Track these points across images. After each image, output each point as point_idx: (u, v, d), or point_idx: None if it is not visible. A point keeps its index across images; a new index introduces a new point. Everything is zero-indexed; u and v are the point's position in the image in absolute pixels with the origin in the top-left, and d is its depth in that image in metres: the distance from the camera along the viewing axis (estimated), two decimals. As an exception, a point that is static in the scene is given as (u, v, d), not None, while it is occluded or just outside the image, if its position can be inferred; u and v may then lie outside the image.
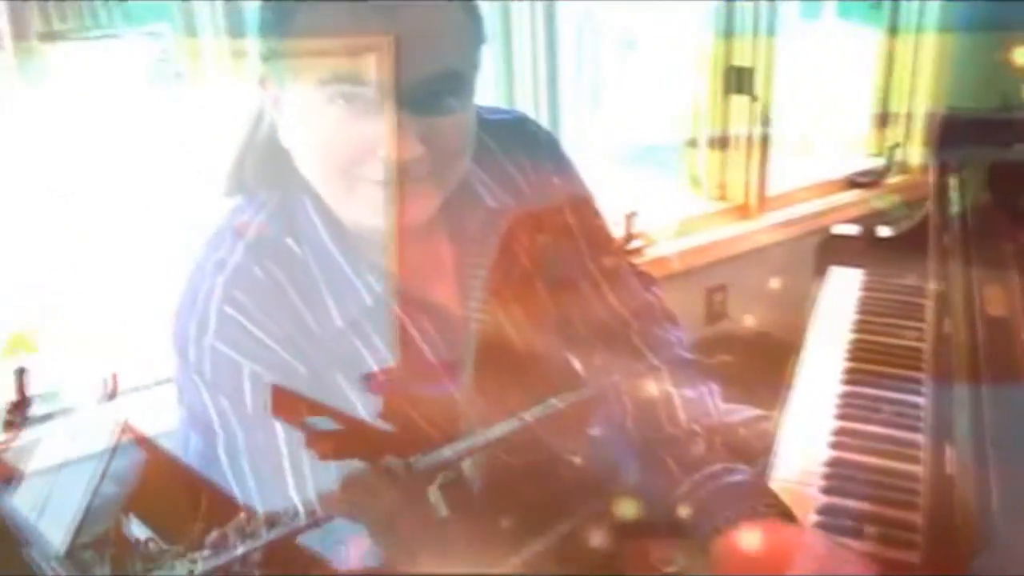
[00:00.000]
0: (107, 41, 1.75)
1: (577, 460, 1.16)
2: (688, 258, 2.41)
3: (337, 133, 0.95)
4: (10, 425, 1.55)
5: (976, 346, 1.17)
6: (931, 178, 1.71)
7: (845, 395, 1.36)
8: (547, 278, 1.15)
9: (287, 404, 1.02)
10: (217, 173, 1.11)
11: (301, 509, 0.95)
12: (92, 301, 1.64)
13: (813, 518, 1.12)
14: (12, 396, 1.56)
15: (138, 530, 1.19)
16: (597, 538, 1.10)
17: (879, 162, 2.89)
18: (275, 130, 1.03)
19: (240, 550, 0.89)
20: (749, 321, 2.47)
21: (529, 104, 2.10)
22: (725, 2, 2.44)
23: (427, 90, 0.94)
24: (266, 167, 1.07)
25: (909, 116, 2.90)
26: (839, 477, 1.18)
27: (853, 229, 1.83)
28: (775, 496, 1.09)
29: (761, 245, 2.53)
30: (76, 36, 1.72)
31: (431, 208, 1.02)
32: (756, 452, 1.25)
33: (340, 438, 1.04)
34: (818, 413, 1.34)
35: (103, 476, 1.27)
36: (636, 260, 2.26)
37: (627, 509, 1.10)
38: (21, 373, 1.56)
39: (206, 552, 0.89)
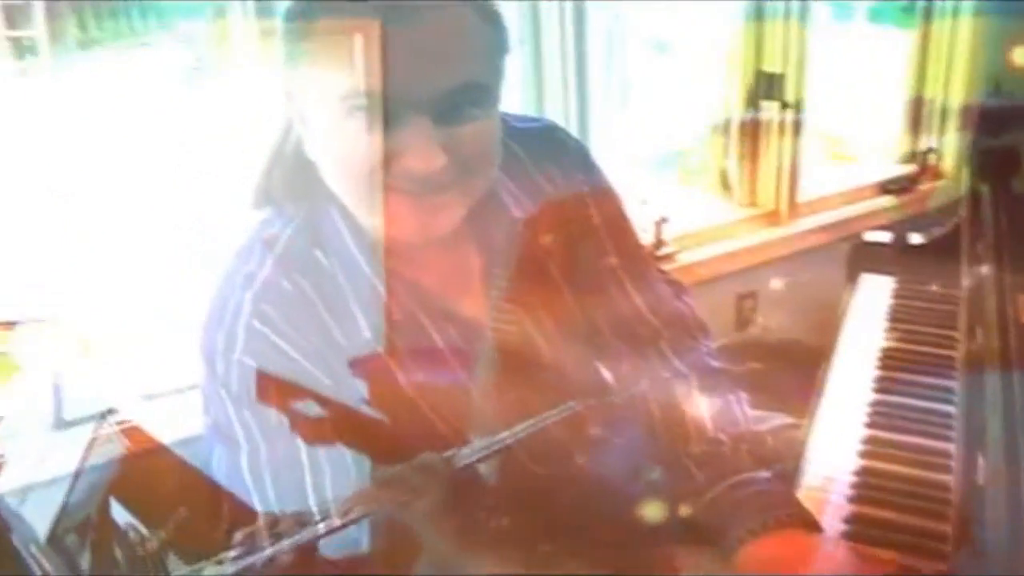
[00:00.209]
0: (142, 48, 1.77)
1: (603, 467, 1.16)
2: (718, 264, 2.39)
3: (360, 145, 0.95)
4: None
5: (1009, 354, 1.16)
6: (964, 184, 1.70)
7: (875, 403, 1.36)
8: (576, 287, 1.15)
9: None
10: (245, 186, 1.11)
11: (332, 508, 0.94)
12: (126, 309, 1.66)
13: (841, 527, 1.12)
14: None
15: (120, 516, 1.20)
16: (622, 545, 1.11)
17: (912, 168, 2.87)
18: (302, 143, 1.04)
19: (269, 551, 0.89)
20: (779, 328, 2.46)
21: (559, 111, 2.09)
22: (755, 2, 2.42)
23: (449, 100, 0.95)
24: (294, 180, 1.08)
25: (942, 121, 2.86)
26: (868, 486, 1.18)
27: (885, 236, 1.82)
28: (799, 505, 1.09)
29: (792, 252, 2.51)
30: (112, 43, 1.74)
31: (456, 217, 1.02)
32: (785, 460, 1.25)
33: (365, 450, 1.05)
34: (848, 421, 1.33)
35: (84, 461, 1.27)
36: (666, 267, 2.26)
37: (652, 516, 1.10)
38: (58, 377, 1.58)
39: (232, 553, 0.89)
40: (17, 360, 1.59)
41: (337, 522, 0.92)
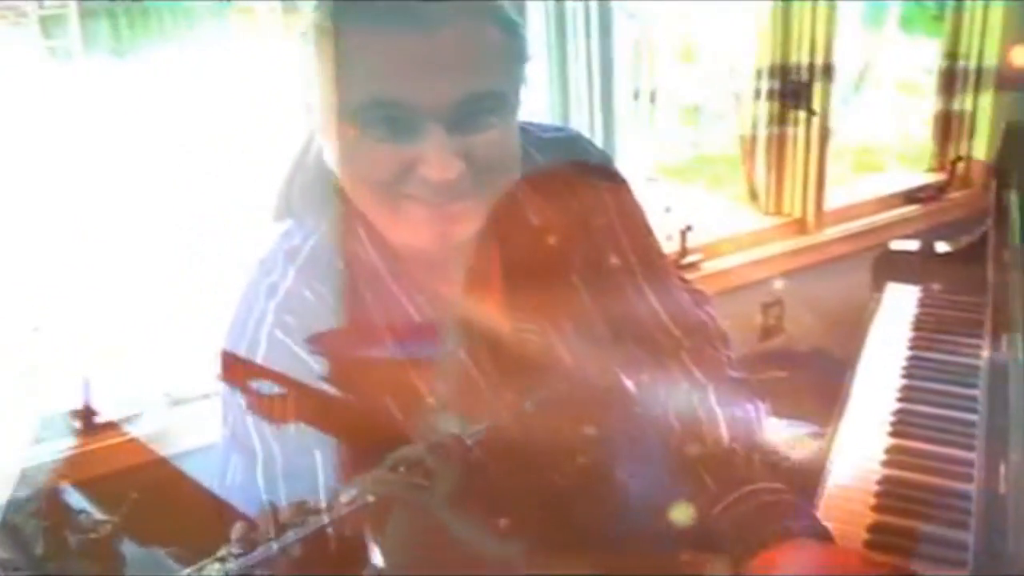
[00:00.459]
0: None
1: (613, 472, 1.16)
2: (744, 273, 2.39)
3: (378, 155, 0.96)
4: (78, 433, 1.59)
5: (1034, 363, 1.15)
6: (991, 193, 1.69)
7: (899, 412, 1.35)
8: (597, 296, 1.15)
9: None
10: (268, 198, 1.12)
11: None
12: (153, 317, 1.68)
13: (864, 535, 1.12)
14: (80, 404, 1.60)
15: (74, 500, 1.20)
16: (635, 552, 1.11)
17: (940, 177, 2.85)
18: (322, 154, 1.05)
19: (277, 545, 0.89)
20: (805, 337, 2.45)
21: (584, 119, 2.10)
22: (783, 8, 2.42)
23: (465, 109, 0.95)
24: (315, 191, 1.08)
25: (971, 130, 2.85)
26: (891, 495, 1.17)
27: (911, 245, 1.82)
28: (811, 516, 1.08)
29: (818, 260, 2.50)
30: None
31: (475, 225, 1.02)
32: (808, 469, 1.25)
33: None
34: (872, 430, 1.32)
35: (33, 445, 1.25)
36: (691, 275, 2.26)
37: (662, 522, 1.10)
38: (86, 383, 1.60)
39: (235, 549, 0.89)
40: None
41: (345, 510, 0.92)
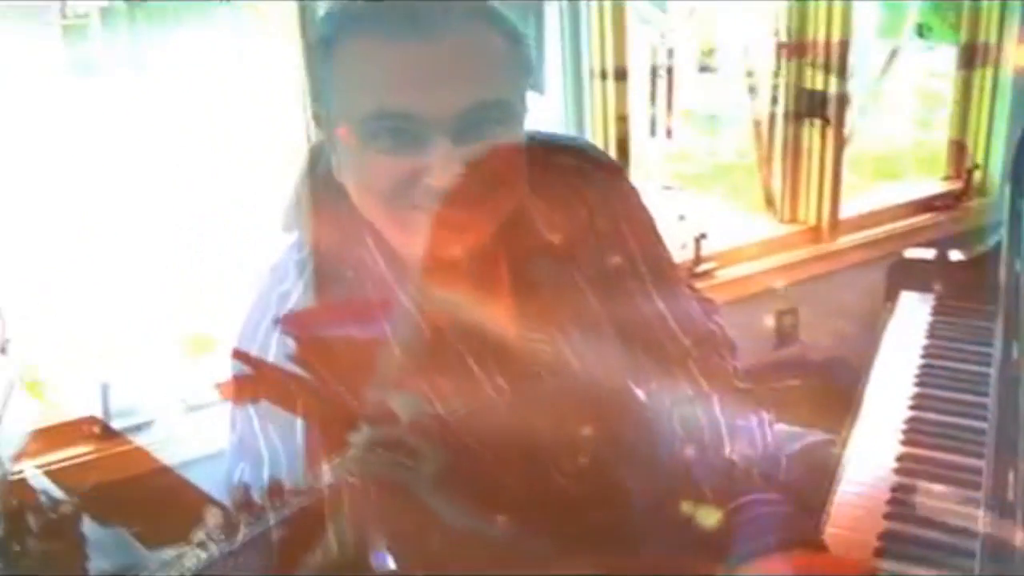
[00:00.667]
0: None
1: (613, 477, 1.17)
2: (759, 281, 2.39)
3: (384, 165, 0.97)
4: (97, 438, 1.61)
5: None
6: (1005, 202, 1.69)
7: (911, 420, 1.35)
8: (606, 305, 1.16)
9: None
10: (277, 207, 1.14)
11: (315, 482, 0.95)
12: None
13: (875, 543, 1.12)
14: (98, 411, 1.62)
15: (36, 482, 1.21)
16: (632, 558, 1.12)
17: (956, 185, 2.85)
18: (331, 166, 1.06)
19: (255, 529, 0.90)
20: (819, 345, 2.45)
21: (599, 128, 2.11)
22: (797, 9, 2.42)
23: (470, 118, 0.96)
24: (325, 202, 1.09)
25: (988, 138, 2.84)
26: (902, 503, 1.17)
27: (925, 253, 1.81)
28: (806, 527, 1.09)
29: (833, 268, 2.51)
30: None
31: (483, 234, 1.03)
32: (820, 477, 1.25)
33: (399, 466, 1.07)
34: (884, 438, 1.33)
35: None
36: (705, 283, 2.26)
37: (658, 530, 1.11)
38: (105, 389, 1.61)
39: (214, 534, 0.89)
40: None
41: (325, 491, 0.93)
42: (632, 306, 1.18)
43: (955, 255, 1.78)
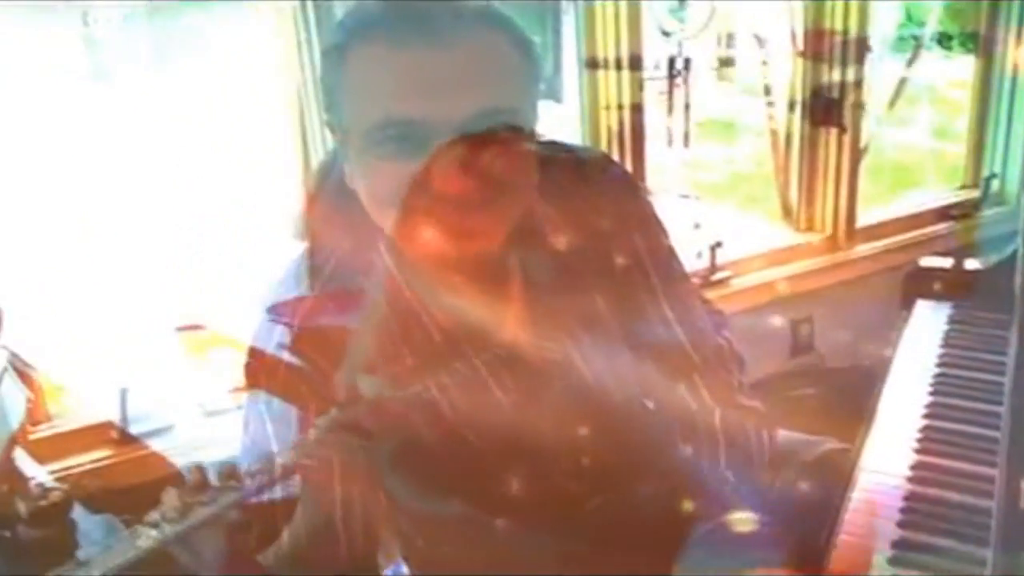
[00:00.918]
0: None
1: (601, 485, 1.18)
2: (775, 289, 2.39)
3: (391, 171, 0.98)
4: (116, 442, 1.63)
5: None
6: (1022, 211, 1.68)
7: (926, 429, 1.35)
8: (617, 316, 1.16)
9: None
10: (289, 216, 1.14)
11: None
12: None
13: (888, 552, 1.12)
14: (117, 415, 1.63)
15: (27, 467, 1.21)
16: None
17: (973, 194, 2.84)
18: (343, 173, 1.07)
19: (211, 510, 0.91)
20: (835, 353, 2.45)
21: (616, 137, 2.12)
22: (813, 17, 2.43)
23: (479, 124, 0.96)
24: (337, 209, 1.10)
25: (1005, 147, 2.83)
26: (915, 511, 1.17)
27: (941, 262, 1.81)
28: (785, 548, 1.10)
29: (849, 277, 2.50)
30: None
31: (492, 240, 1.03)
32: (835, 484, 1.25)
33: (403, 474, 1.08)
34: (899, 446, 1.33)
35: None
36: (720, 291, 2.27)
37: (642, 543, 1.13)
38: (123, 394, 1.63)
39: (169, 514, 0.90)
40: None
41: (280, 472, 0.94)
42: (641, 318, 1.18)
43: (971, 264, 1.78)
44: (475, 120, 0.96)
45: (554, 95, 3.59)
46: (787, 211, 2.67)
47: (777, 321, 2.42)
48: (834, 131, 2.48)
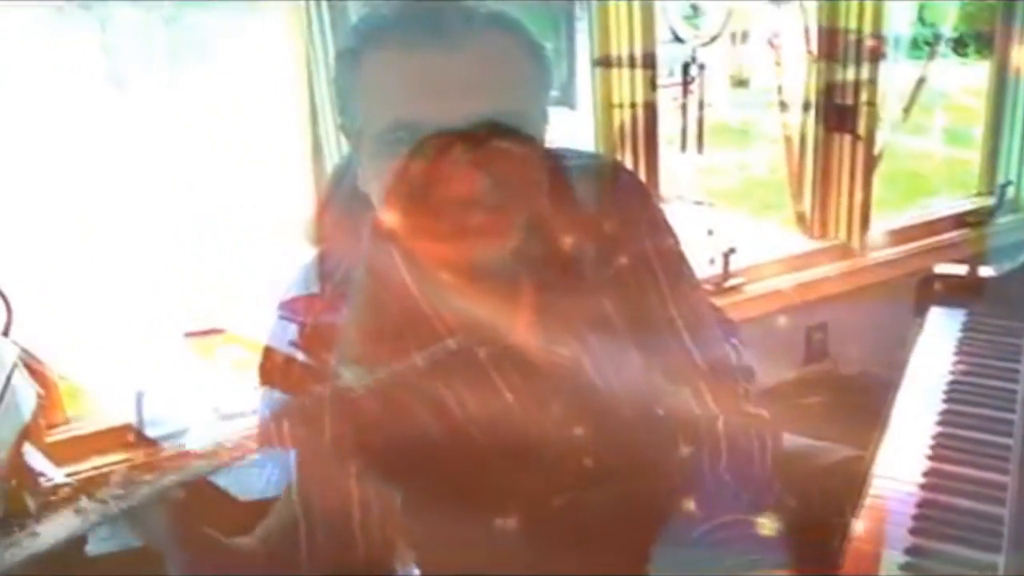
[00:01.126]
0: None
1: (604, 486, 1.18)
2: (789, 296, 2.39)
3: (402, 175, 0.98)
4: (132, 445, 1.64)
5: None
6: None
7: (939, 436, 1.35)
8: (626, 322, 1.17)
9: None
10: (303, 221, 1.15)
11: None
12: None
13: (900, 558, 1.12)
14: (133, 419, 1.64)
15: (36, 463, 1.21)
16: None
17: (988, 201, 2.83)
18: (356, 178, 1.08)
19: (154, 489, 0.91)
20: (849, 360, 2.44)
21: (629, 144, 2.12)
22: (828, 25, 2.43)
23: (489, 127, 0.97)
24: (350, 213, 1.11)
25: (1021, 154, 2.83)
26: (928, 518, 1.17)
27: (955, 268, 1.81)
28: (783, 551, 1.10)
29: (863, 284, 2.50)
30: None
31: (502, 243, 1.04)
32: (848, 491, 1.25)
33: (416, 480, 1.09)
34: (912, 453, 1.32)
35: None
36: (733, 298, 2.27)
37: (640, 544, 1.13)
38: (140, 397, 1.64)
39: (116, 491, 0.91)
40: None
41: (228, 456, 0.95)
42: (649, 323, 1.18)
43: (985, 271, 1.77)
44: (486, 123, 0.97)
45: (568, 102, 3.60)
46: (801, 218, 2.67)
47: (790, 328, 2.42)
48: (848, 138, 2.48)
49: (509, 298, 1.12)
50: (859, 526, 1.18)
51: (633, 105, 2.08)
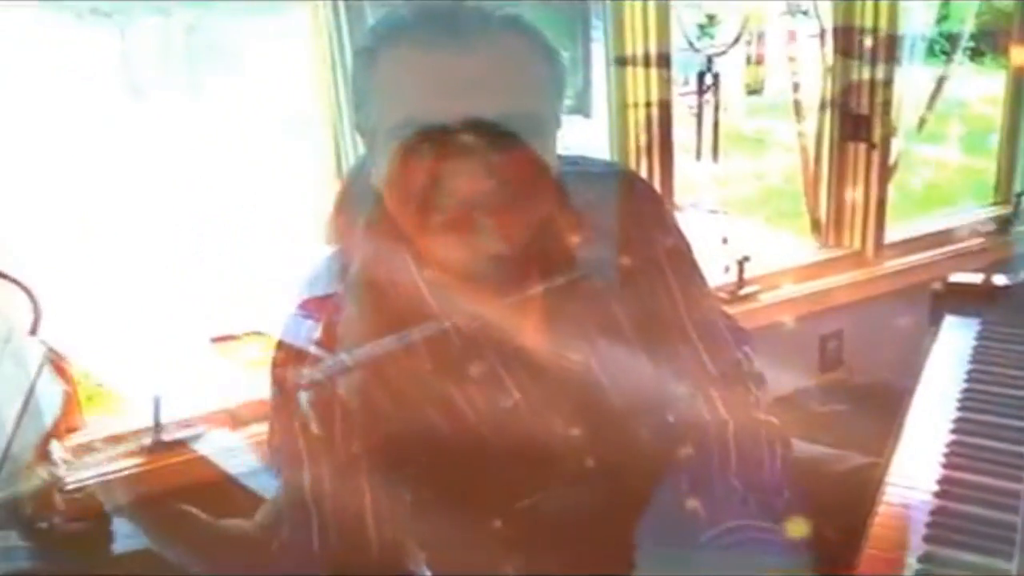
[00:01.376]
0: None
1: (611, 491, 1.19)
2: (803, 305, 2.39)
3: (412, 172, 1.00)
4: (149, 450, 1.65)
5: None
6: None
7: (953, 444, 1.35)
8: (637, 327, 1.17)
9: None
10: (320, 221, 1.17)
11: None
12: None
13: (916, 566, 1.12)
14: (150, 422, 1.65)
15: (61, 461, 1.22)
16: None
17: (1004, 210, 2.82)
18: (371, 178, 1.09)
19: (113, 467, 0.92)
20: (863, 369, 2.44)
21: (643, 151, 2.12)
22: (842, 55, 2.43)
23: (498, 127, 0.98)
24: (364, 212, 1.12)
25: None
26: (942, 525, 1.17)
27: (970, 277, 1.80)
28: (791, 556, 1.11)
29: (878, 293, 2.50)
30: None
31: (507, 242, 1.05)
32: (863, 499, 1.25)
33: (426, 477, 1.10)
34: (926, 461, 1.32)
35: (25, 406, 1.29)
36: (749, 305, 2.27)
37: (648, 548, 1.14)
38: (157, 401, 1.65)
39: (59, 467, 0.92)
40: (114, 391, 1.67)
41: (180, 434, 0.95)
42: (661, 330, 1.19)
43: (1000, 280, 1.77)
44: (496, 122, 0.98)
45: (583, 110, 3.60)
46: (816, 226, 2.67)
47: (805, 336, 2.42)
48: (863, 146, 2.48)
49: (517, 300, 1.13)
50: (873, 533, 1.18)
51: (648, 105, 2.09)
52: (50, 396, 1.43)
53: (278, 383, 1.13)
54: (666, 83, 2.09)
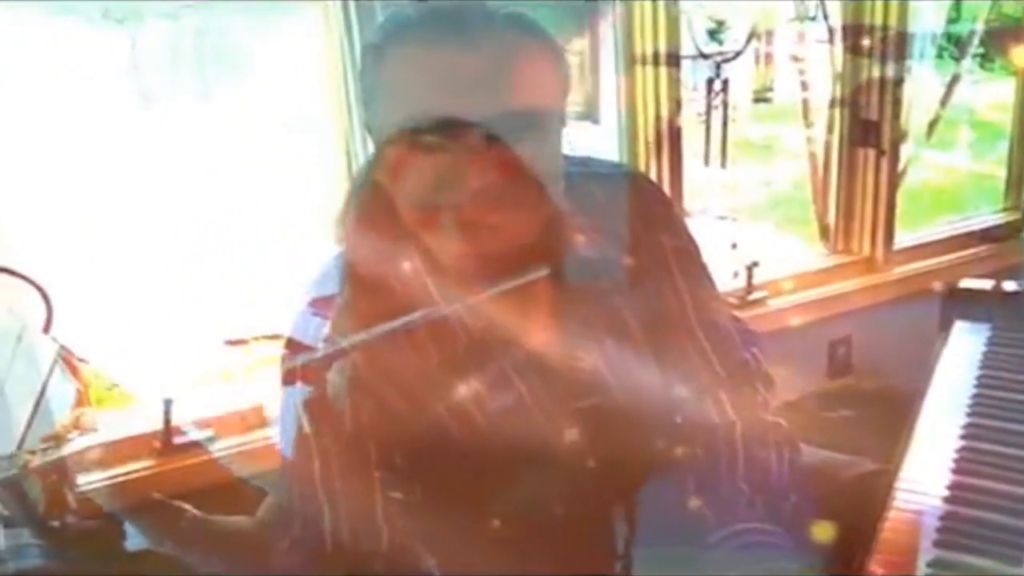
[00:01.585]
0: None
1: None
2: (812, 310, 2.39)
3: (417, 168, 1.00)
4: (159, 452, 1.65)
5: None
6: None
7: (963, 449, 1.35)
8: (644, 328, 1.17)
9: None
10: (329, 221, 1.17)
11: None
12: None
13: (925, 571, 1.12)
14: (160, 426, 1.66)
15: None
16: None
17: (1014, 216, 2.82)
18: (380, 176, 1.08)
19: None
20: (873, 375, 2.44)
21: (653, 156, 2.13)
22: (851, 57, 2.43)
23: (502, 124, 0.98)
24: (371, 210, 1.12)
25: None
26: (952, 531, 1.17)
27: (979, 283, 1.80)
28: (796, 559, 1.10)
29: (887, 298, 2.49)
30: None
31: (512, 240, 1.04)
32: (872, 505, 1.25)
33: (435, 475, 1.10)
34: (936, 466, 1.32)
35: (39, 401, 1.29)
36: (757, 311, 2.27)
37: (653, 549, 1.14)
38: (168, 404, 1.66)
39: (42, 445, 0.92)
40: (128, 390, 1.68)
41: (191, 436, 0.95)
42: (669, 331, 1.19)
43: (1010, 286, 1.77)
44: (499, 121, 0.98)
45: (592, 116, 3.61)
46: (825, 232, 2.67)
47: (814, 342, 2.42)
48: (872, 153, 2.47)
49: (523, 299, 1.12)
50: (883, 538, 1.18)
51: (657, 110, 2.09)
52: (62, 395, 1.44)
53: (287, 380, 1.13)
54: (675, 88, 2.09)
